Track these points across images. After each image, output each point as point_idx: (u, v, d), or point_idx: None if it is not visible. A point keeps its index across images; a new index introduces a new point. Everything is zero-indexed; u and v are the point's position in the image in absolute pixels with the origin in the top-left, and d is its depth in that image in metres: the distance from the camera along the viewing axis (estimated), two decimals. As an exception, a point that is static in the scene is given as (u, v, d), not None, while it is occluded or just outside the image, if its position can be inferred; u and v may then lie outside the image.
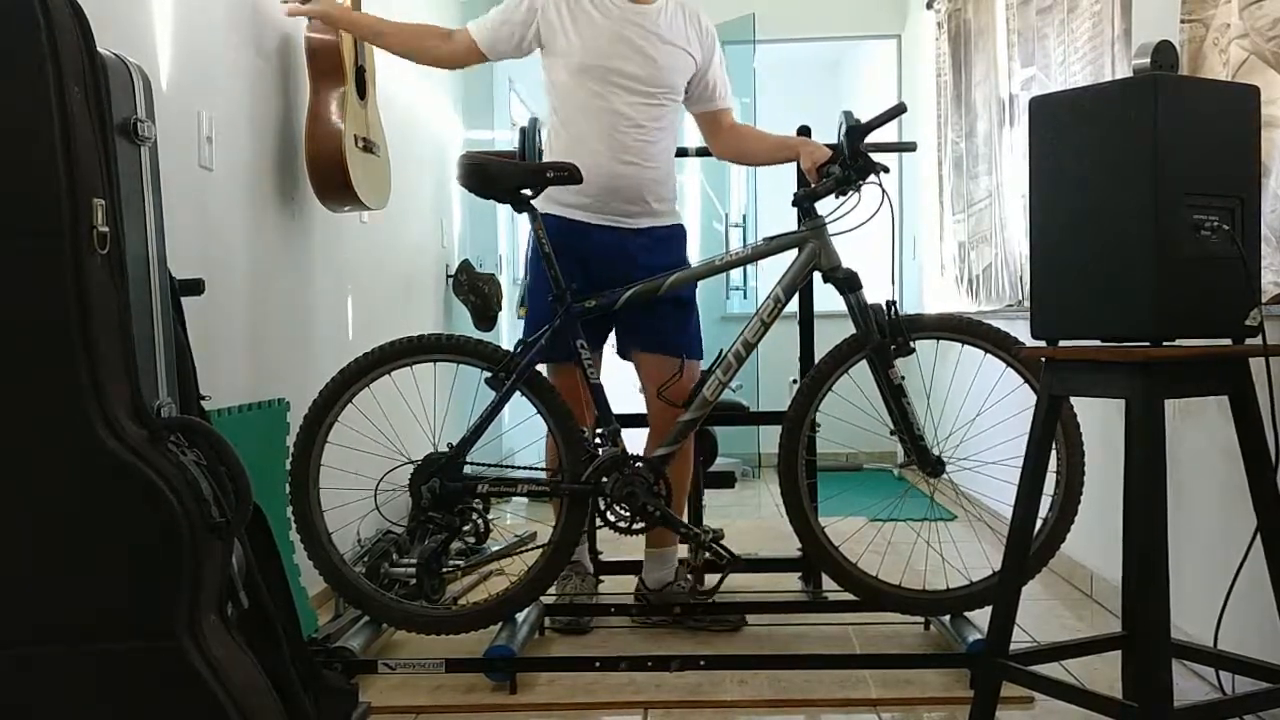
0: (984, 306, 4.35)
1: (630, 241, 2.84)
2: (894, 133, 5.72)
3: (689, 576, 2.97)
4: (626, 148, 2.78)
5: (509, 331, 5.24)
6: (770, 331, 2.69)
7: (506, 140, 5.78)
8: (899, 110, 2.69)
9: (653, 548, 2.97)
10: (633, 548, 3.07)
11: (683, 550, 2.93)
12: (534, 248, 2.75)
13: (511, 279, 5.75)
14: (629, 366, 2.97)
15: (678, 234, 2.95)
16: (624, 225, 2.84)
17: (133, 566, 1.46)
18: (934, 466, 2.63)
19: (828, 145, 2.79)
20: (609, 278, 2.72)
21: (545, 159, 2.88)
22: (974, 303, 4.54)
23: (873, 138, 2.70)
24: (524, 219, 2.67)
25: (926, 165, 5.58)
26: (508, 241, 6.14)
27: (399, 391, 2.71)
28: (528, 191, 2.61)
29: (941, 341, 2.68)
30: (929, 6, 5.43)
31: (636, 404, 2.98)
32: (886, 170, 2.64)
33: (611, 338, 2.95)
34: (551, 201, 2.78)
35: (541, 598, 2.75)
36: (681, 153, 3.17)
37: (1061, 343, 2.00)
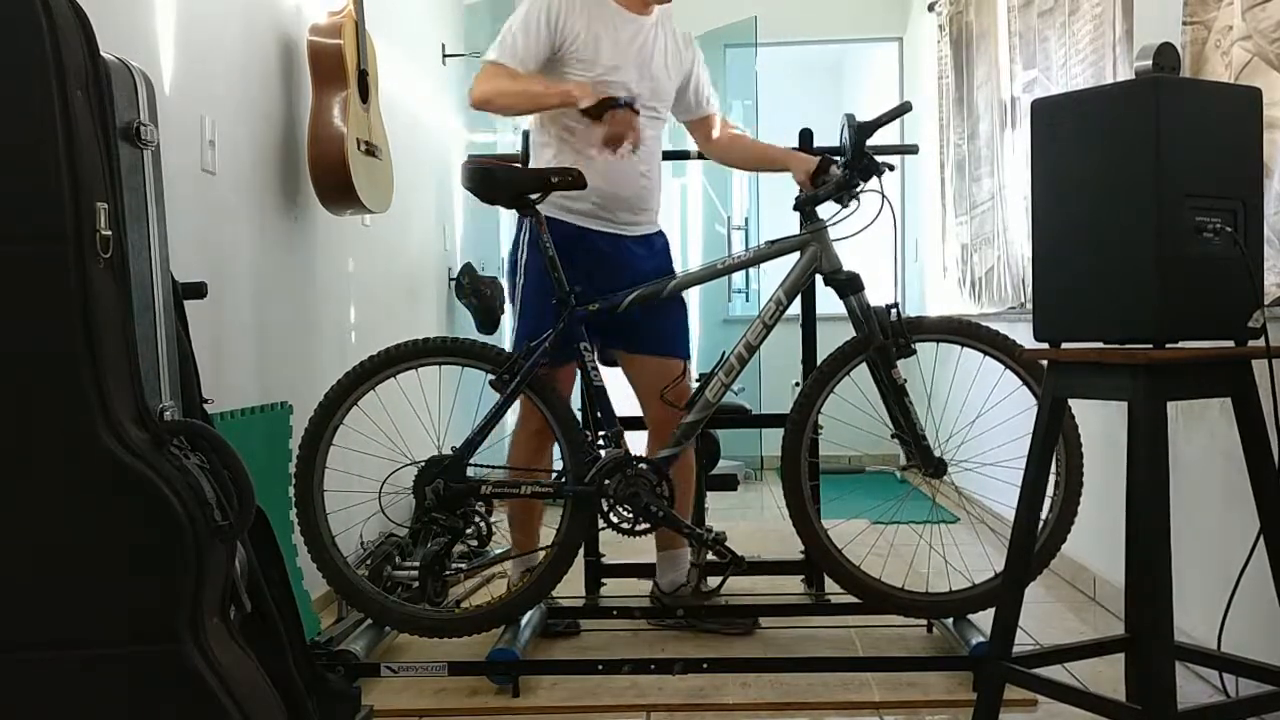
0: (986, 309, 4.35)
1: (629, 248, 2.86)
2: (896, 135, 5.73)
3: (705, 579, 2.97)
4: (631, 160, 2.79)
5: (512, 334, 5.24)
6: (772, 334, 2.69)
7: (509, 143, 5.78)
8: (905, 109, 2.69)
9: (662, 550, 2.98)
10: (635, 550, 3.07)
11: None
12: (531, 250, 2.76)
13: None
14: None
15: (665, 240, 2.99)
16: (624, 233, 2.85)
17: (135, 570, 1.46)
18: (936, 467, 2.63)
19: (828, 149, 2.79)
20: (609, 283, 2.73)
21: (540, 159, 2.87)
22: (976, 305, 4.54)
23: (875, 141, 2.71)
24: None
25: (929, 168, 5.58)
26: (510, 245, 6.13)
27: (403, 394, 2.71)
28: (533, 197, 2.62)
29: (942, 344, 2.68)
30: (930, 9, 5.43)
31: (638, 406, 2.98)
32: (891, 168, 2.65)
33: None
34: (554, 206, 2.78)
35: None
36: (683, 155, 3.18)
37: (1064, 345, 2.00)
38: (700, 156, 3.22)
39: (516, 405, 2.70)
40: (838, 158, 2.72)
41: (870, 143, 2.68)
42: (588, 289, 2.69)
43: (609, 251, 2.82)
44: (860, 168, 2.63)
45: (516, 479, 2.73)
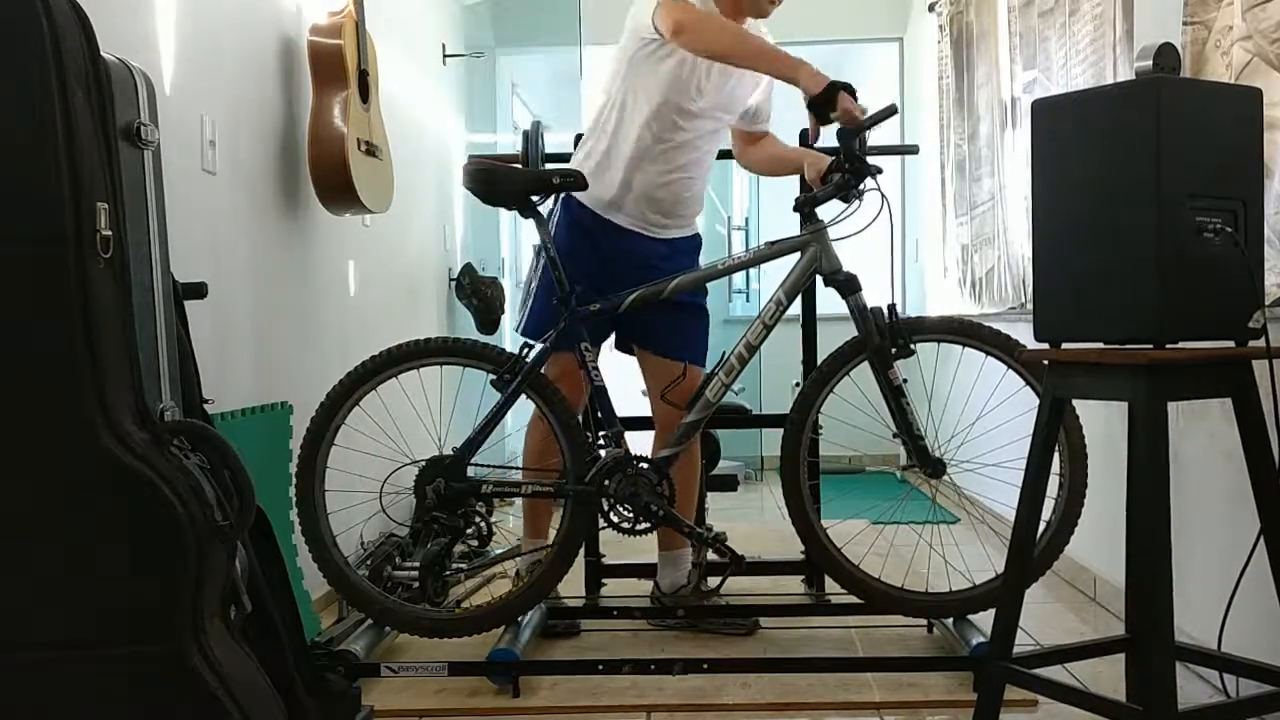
0: (987, 309, 4.35)
1: (654, 249, 2.86)
2: (896, 136, 5.73)
3: (705, 579, 2.97)
4: (678, 166, 2.79)
5: (512, 334, 5.25)
6: (773, 334, 2.69)
7: (509, 143, 5.79)
8: (890, 112, 2.68)
9: (664, 550, 2.98)
10: (636, 550, 3.07)
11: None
12: (560, 232, 2.77)
13: (515, 283, 5.76)
14: (633, 368, 2.98)
15: (696, 243, 2.99)
16: (651, 234, 2.86)
17: (135, 570, 1.46)
18: (934, 467, 2.63)
19: (829, 149, 2.79)
20: (629, 280, 2.72)
21: (587, 144, 2.85)
22: (977, 305, 4.54)
23: (875, 140, 2.70)
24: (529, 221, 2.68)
25: (929, 168, 5.58)
26: (510, 245, 6.14)
27: (405, 394, 2.71)
28: (535, 198, 2.62)
29: (943, 344, 2.68)
30: (930, 9, 5.43)
31: (640, 406, 2.99)
32: (880, 171, 2.65)
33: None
34: (588, 195, 2.79)
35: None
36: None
37: (1064, 345, 2.00)
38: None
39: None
40: None
41: (871, 143, 2.68)
42: (604, 282, 2.69)
43: (632, 248, 2.83)
44: (852, 170, 2.63)
45: (517, 479, 2.73)
